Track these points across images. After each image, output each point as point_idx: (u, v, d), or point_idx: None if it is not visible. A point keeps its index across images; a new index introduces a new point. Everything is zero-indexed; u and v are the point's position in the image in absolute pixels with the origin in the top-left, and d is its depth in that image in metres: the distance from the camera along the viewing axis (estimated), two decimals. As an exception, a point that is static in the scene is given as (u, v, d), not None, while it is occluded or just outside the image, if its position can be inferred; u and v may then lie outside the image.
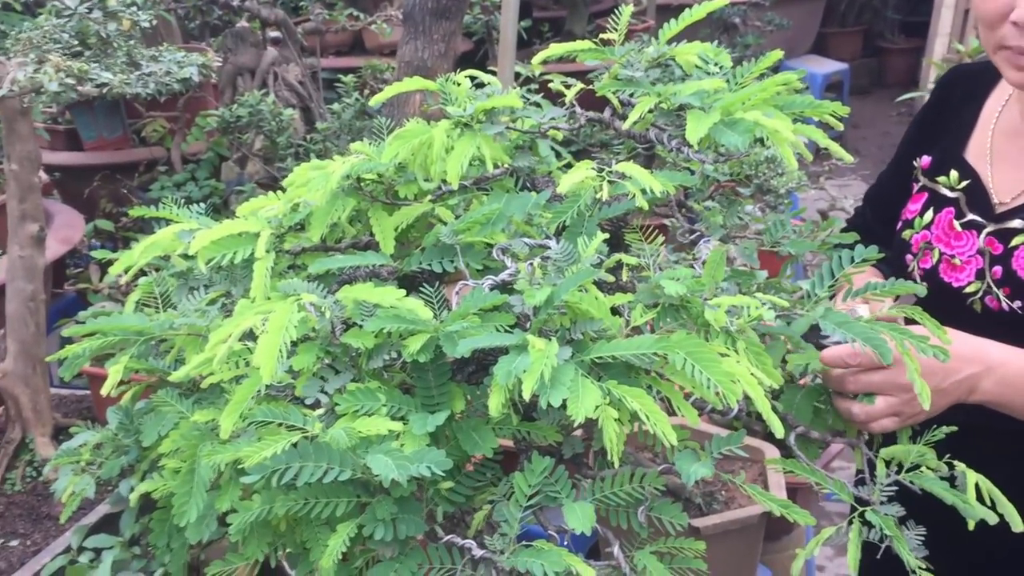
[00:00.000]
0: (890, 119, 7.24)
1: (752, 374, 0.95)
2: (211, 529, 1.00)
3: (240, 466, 0.96)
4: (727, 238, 1.14)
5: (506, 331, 0.99)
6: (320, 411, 1.01)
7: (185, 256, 1.31)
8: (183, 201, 1.35)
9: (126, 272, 1.26)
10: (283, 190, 1.27)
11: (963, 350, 1.16)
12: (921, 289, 1.08)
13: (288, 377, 1.06)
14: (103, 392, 1.14)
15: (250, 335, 1.03)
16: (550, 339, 0.95)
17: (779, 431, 0.94)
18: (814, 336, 1.14)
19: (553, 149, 1.34)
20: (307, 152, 3.23)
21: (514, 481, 0.96)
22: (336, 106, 3.31)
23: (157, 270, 1.44)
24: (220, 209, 3.25)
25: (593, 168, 1.04)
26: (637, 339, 0.94)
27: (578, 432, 1.06)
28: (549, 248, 1.11)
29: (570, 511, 0.91)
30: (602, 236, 1.05)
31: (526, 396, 0.88)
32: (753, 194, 2.78)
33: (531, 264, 1.08)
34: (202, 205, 1.39)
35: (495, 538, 0.94)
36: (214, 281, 1.33)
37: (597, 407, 0.89)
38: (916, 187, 1.49)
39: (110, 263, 1.29)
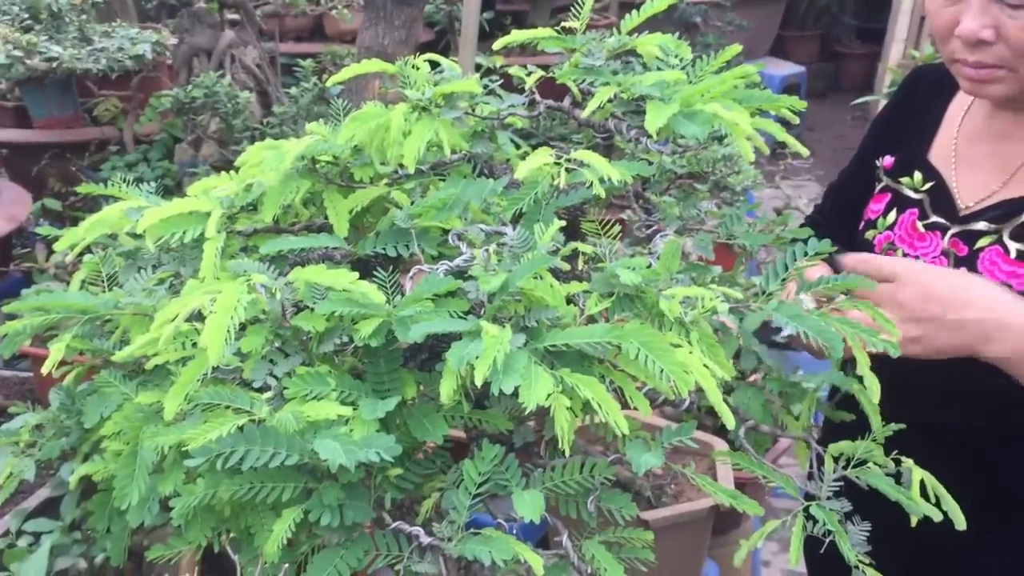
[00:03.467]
0: (845, 123, 7.33)
1: (705, 365, 0.95)
2: (153, 513, 0.98)
3: (184, 448, 0.94)
4: (683, 230, 1.14)
5: (459, 317, 0.98)
6: (268, 394, 0.99)
7: (133, 235, 1.28)
8: (134, 181, 1.32)
9: (71, 250, 1.23)
10: (237, 171, 1.25)
11: (974, 292, 1.17)
12: (872, 284, 1.09)
13: (236, 360, 1.04)
14: (44, 370, 1.11)
15: (198, 316, 1.01)
16: (504, 326, 0.95)
17: (730, 422, 0.94)
18: (765, 332, 1.14)
19: (512, 141, 1.33)
20: (263, 136, 3.19)
21: (464, 469, 0.95)
22: (294, 90, 3.28)
23: (104, 249, 1.40)
24: (173, 191, 3.19)
25: (551, 155, 1.04)
26: (591, 328, 0.94)
27: (531, 422, 1.06)
28: (505, 235, 1.10)
29: (519, 499, 0.91)
30: (558, 224, 1.04)
31: (478, 382, 0.87)
32: (710, 190, 2.80)
33: (487, 250, 1.07)
34: (152, 184, 1.37)
35: (443, 526, 0.93)
36: (163, 261, 1.31)
37: (549, 395, 0.88)
38: (878, 187, 1.51)
39: (57, 242, 1.26)
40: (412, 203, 1.14)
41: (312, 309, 1.02)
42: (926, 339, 1.17)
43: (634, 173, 1.05)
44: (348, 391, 0.99)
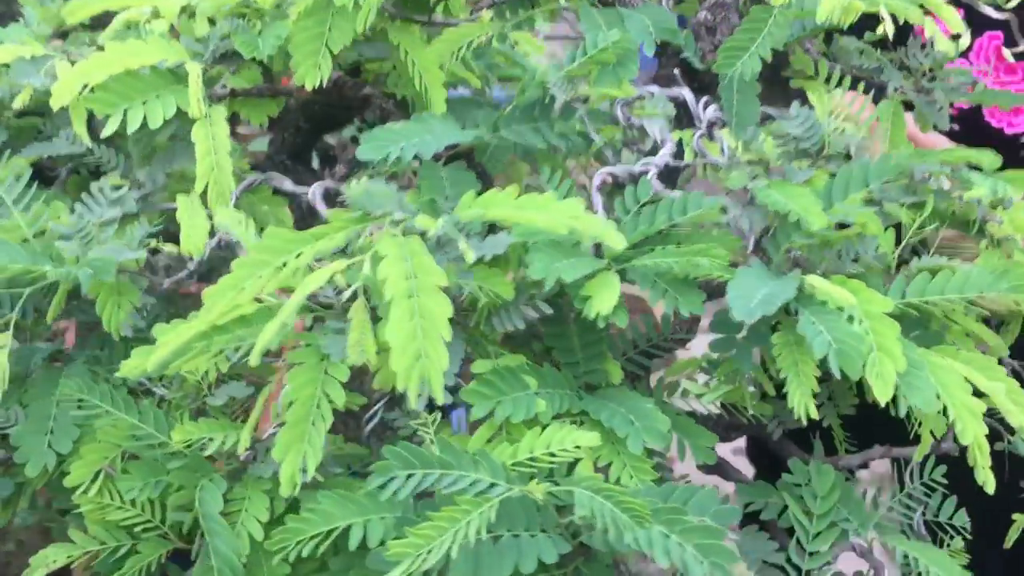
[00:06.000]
0: None
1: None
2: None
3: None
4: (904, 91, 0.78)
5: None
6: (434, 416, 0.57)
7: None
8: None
9: None
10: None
11: None
12: None
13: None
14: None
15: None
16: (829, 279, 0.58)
17: None
18: None
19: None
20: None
21: (790, 507, 0.59)
22: None
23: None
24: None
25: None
26: (976, 269, 0.60)
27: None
28: (700, 105, 0.71)
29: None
30: (838, 92, 0.67)
31: (881, 397, 0.52)
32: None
33: (701, 134, 0.68)
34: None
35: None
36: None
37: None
38: None
39: None
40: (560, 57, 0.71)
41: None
42: None
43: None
44: (553, 392, 0.60)
